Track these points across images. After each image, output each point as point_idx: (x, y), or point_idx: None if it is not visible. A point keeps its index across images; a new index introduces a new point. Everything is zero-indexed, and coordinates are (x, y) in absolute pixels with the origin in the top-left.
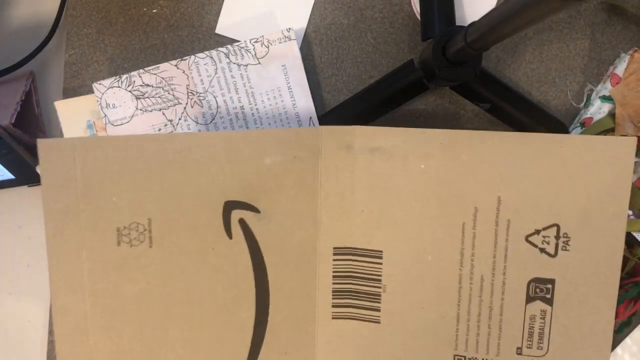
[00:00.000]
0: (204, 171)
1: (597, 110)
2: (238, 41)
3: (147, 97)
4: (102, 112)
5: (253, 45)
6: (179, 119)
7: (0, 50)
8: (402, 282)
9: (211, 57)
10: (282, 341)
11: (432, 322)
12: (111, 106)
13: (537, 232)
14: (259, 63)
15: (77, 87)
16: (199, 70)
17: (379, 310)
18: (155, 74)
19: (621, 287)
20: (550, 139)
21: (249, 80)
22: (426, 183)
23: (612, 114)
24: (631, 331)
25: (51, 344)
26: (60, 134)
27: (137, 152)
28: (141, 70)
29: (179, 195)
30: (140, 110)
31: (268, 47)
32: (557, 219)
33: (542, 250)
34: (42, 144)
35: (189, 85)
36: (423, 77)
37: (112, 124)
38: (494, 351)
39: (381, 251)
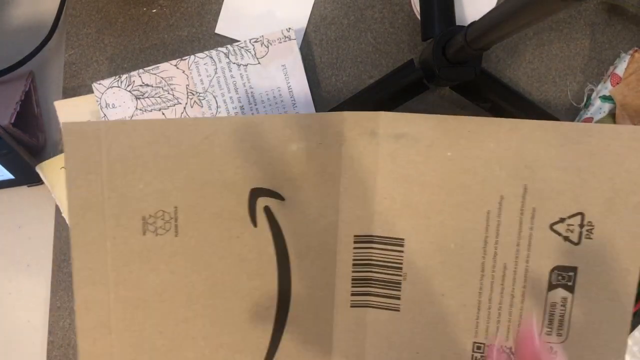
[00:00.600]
0: (230, 157)
1: (597, 110)
2: (238, 41)
3: (147, 97)
4: (102, 112)
5: (253, 45)
6: None
7: (0, 50)
8: (423, 270)
9: (211, 57)
10: (303, 330)
11: (453, 310)
12: (111, 106)
13: (562, 220)
14: (259, 63)
15: (76, 87)
16: (198, 70)
17: (398, 299)
18: (155, 74)
19: None
20: (578, 128)
21: (248, 80)
22: (451, 171)
23: (612, 114)
24: (631, 331)
25: (51, 344)
26: (60, 134)
27: (162, 137)
28: (141, 70)
29: (204, 182)
30: (140, 110)
31: (268, 47)
32: (582, 207)
33: (566, 238)
34: (66, 127)
35: (188, 85)
36: (423, 77)
37: None
38: (513, 338)
39: (403, 239)
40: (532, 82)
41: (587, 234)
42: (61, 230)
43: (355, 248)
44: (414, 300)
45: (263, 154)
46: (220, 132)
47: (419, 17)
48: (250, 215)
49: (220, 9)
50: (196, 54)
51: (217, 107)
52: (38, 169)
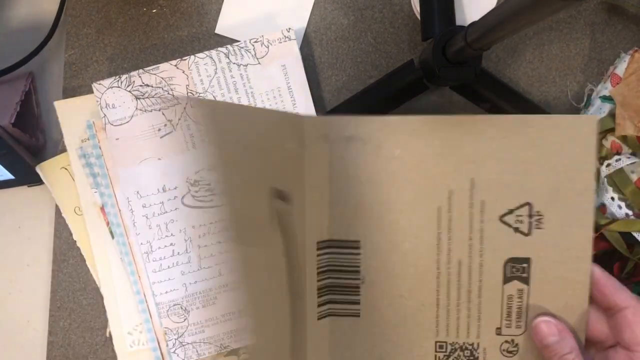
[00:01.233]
0: (255, 151)
1: (597, 110)
2: (238, 41)
3: (147, 97)
4: (102, 112)
5: (253, 45)
6: (179, 119)
7: (0, 50)
8: (380, 272)
9: (211, 57)
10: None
11: (412, 310)
12: (111, 106)
13: (511, 211)
14: (259, 63)
15: (76, 87)
16: (198, 70)
17: (358, 303)
18: (155, 74)
19: None
20: (518, 120)
21: (248, 80)
22: (400, 169)
23: (612, 114)
24: None
25: (51, 344)
26: (60, 134)
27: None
28: (141, 70)
29: (240, 180)
30: (140, 110)
31: (268, 47)
32: (529, 197)
33: (517, 229)
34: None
35: (188, 85)
36: (423, 77)
37: (112, 124)
38: (474, 334)
39: (358, 241)
40: (532, 82)
41: (537, 224)
42: (61, 230)
43: (317, 255)
44: (373, 304)
45: (270, 151)
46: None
47: (419, 17)
48: (269, 219)
49: (220, 9)
50: (196, 54)
51: None
52: (38, 169)
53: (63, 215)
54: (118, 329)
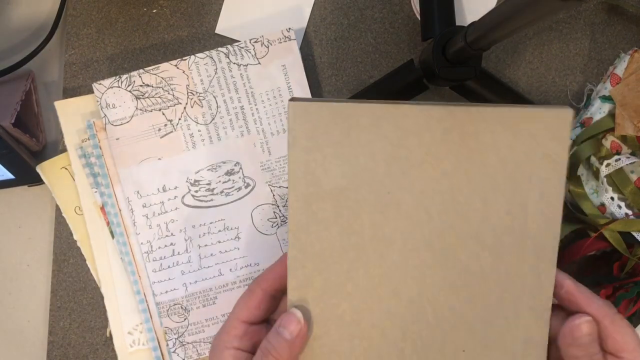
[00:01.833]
0: None
1: (597, 110)
2: (238, 41)
3: (147, 97)
4: (102, 112)
5: (253, 45)
6: (179, 119)
7: (0, 50)
8: None
9: (211, 57)
10: None
11: None
12: (111, 106)
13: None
14: (259, 63)
15: (77, 87)
16: (199, 70)
17: None
18: (155, 74)
19: (621, 287)
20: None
21: (249, 80)
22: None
23: (612, 114)
24: None
25: (51, 344)
26: (60, 134)
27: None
28: (141, 70)
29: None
30: (140, 110)
31: (268, 47)
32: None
33: None
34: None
35: (188, 85)
36: (423, 77)
37: (112, 124)
38: None
39: None
40: (532, 82)
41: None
42: (61, 230)
43: None
44: None
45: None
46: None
47: (419, 17)
48: None
49: (220, 9)
50: (196, 54)
51: (217, 107)
52: (38, 169)
53: (63, 215)
54: (118, 329)
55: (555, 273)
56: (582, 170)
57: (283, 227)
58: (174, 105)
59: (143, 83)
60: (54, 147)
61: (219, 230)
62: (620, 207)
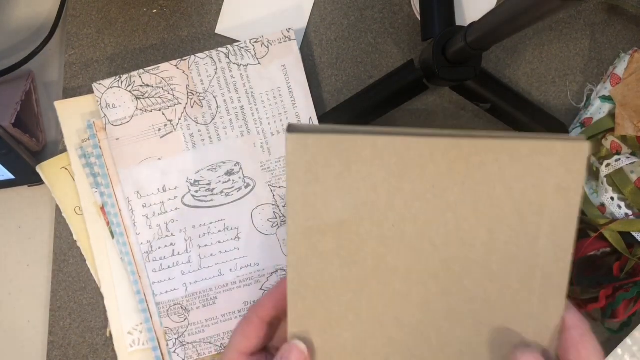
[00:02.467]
0: None
1: (597, 110)
2: (238, 41)
3: (147, 97)
4: (102, 112)
5: (253, 46)
6: (179, 119)
7: (0, 50)
8: None
9: (211, 57)
10: None
11: None
12: (111, 106)
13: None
14: (259, 63)
15: (77, 87)
16: (199, 70)
17: None
18: (155, 74)
19: (621, 287)
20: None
21: (249, 80)
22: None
23: (612, 114)
24: (631, 331)
25: (51, 344)
26: (60, 134)
27: None
28: (141, 70)
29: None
30: (140, 110)
31: (268, 47)
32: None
33: None
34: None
35: (189, 85)
36: (423, 77)
37: (112, 124)
38: None
39: None
40: (532, 82)
41: None
42: (61, 230)
43: None
44: None
45: None
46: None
47: (419, 17)
48: None
49: (220, 9)
50: (196, 54)
51: (217, 107)
52: (38, 169)
53: (63, 215)
54: (118, 329)
55: (564, 304)
56: None
57: (283, 227)
58: (174, 105)
59: (143, 83)
60: (54, 147)
61: (219, 231)
62: (620, 207)
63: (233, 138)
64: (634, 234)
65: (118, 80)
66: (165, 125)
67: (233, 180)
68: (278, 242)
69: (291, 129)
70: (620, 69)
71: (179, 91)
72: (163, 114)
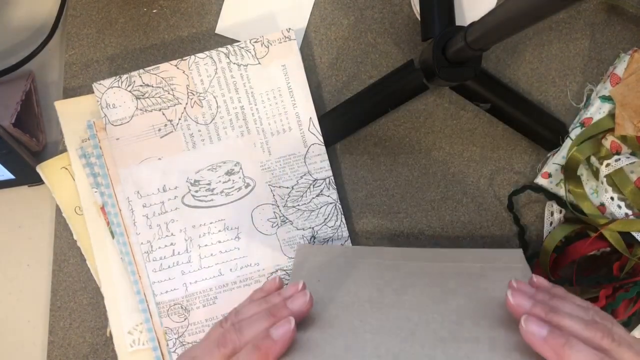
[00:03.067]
0: None
1: (597, 110)
2: (238, 41)
3: (147, 97)
4: (102, 112)
5: (253, 46)
6: (179, 119)
7: (0, 50)
8: None
9: (211, 57)
10: None
11: None
12: (111, 106)
13: None
14: (259, 63)
15: (77, 87)
16: (199, 70)
17: None
18: (155, 74)
19: (621, 287)
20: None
21: (249, 80)
22: None
23: (612, 114)
24: (631, 331)
25: (51, 344)
26: (60, 134)
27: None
28: (141, 70)
29: None
30: (140, 110)
31: (268, 47)
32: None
33: None
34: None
35: (189, 85)
36: (423, 77)
37: (112, 124)
38: None
39: None
40: (532, 82)
41: None
42: (61, 230)
43: None
44: None
45: None
46: None
47: (419, 17)
48: None
49: (220, 9)
50: (196, 54)
51: (217, 107)
52: (38, 169)
53: (63, 215)
54: (118, 329)
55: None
56: (582, 170)
57: (283, 227)
58: (174, 105)
59: (143, 83)
60: (54, 147)
61: (219, 230)
62: (620, 207)
63: (233, 138)
64: (633, 234)
65: (118, 80)
66: (165, 125)
67: (233, 180)
68: (278, 242)
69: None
70: (620, 69)
71: (179, 91)
72: (163, 114)
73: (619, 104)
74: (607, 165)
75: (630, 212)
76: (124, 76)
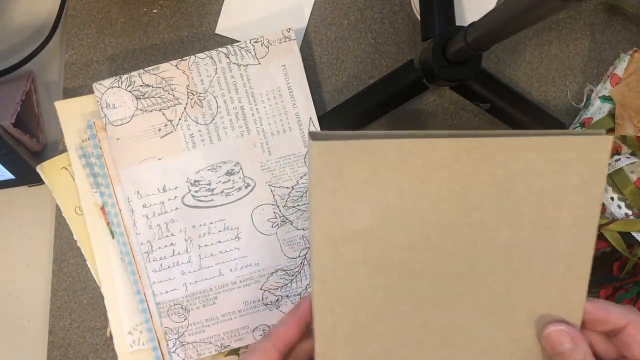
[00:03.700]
0: None
1: (597, 110)
2: (238, 41)
3: (147, 97)
4: (102, 112)
5: (253, 46)
6: (179, 119)
7: (0, 50)
8: None
9: (211, 57)
10: None
11: None
12: (111, 106)
13: None
14: (259, 63)
15: (77, 87)
16: (199, 70)
17: None
18: (155, 74)
19: (621, 287)
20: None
21: (249, 81)
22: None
23: (612, 114)
24: None
25: (51, 344)
26: (60, 134)
27: None
28: (141, 70)
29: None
30: (140, 110)
31: (268, 47)
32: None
33: None
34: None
35: (189, 85)
36: (423, 77)
37: (112, 124)
38: None
39: None
40: (532, 82)
41: None
42: (61, 230)
43: None
44: None
45: None
46: None
47: (419, 17)
48: None
49: (220, 9)
50: (196, 54)
51: (217, 107)
52: (38, 169)
53: (63, 215)
54: (118, 329)
55: (585, 296)
56: None
57: (283, 227)
58: (174, 105)
59: (143, 83)
60: (54, 147)
61: (219, 230)
62: (620, 207)
63: (233, 138)
64: (633, 234)
65: (118, 80)
66: (166, 125)
67: (233, 180)
68: (278, 242)
69: (314, 136)
70: (620, 69)
71: (179, 91)
72: (163, 114)
73: (619, 104)
74: (607, 165)
75: (630, 212)
76: (124, 76)
